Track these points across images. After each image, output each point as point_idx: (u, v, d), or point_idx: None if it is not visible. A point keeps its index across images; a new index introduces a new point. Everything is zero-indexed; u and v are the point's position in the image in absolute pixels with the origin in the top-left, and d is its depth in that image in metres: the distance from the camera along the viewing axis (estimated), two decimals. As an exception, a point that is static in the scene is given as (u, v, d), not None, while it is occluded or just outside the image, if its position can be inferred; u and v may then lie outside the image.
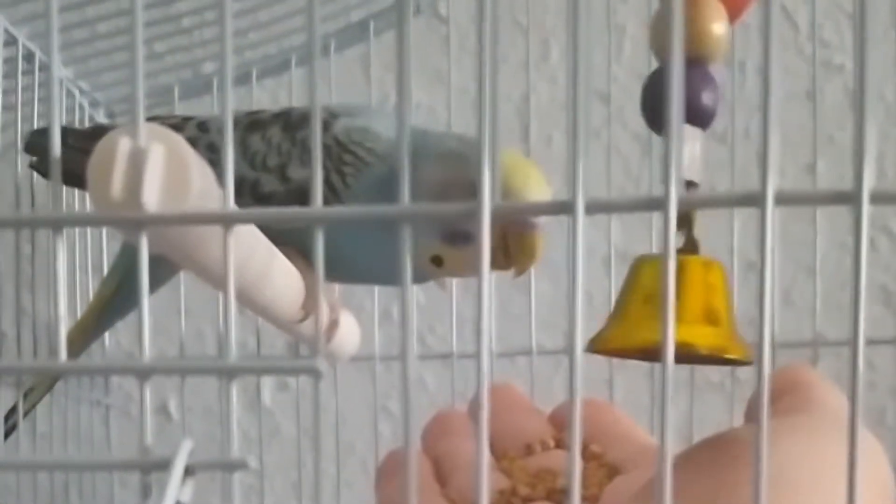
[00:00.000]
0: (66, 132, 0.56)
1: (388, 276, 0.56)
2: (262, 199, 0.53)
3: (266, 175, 0.54)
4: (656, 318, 0.32)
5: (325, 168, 0.53)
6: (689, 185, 0.33)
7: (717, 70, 0.36)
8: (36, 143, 0.59)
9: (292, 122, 0.55)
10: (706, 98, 0.34)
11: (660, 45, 0.35)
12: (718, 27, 0.35)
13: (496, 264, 0.51)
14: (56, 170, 0.27)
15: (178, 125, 0.56)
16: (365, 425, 0.87)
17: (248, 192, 0.54)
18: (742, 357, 0.33)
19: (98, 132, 0.55)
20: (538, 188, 0.52)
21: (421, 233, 0.53)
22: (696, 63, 0.34)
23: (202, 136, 0.55)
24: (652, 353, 0.35)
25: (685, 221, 0.35)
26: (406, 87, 0.24)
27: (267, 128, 0.55)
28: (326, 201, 0.52)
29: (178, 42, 0.76)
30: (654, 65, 0.37)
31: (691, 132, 0.34)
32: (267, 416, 0.96)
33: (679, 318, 0.32)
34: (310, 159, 0.54)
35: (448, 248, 0.53)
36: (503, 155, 0.51)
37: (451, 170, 0.52)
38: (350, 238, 0.52)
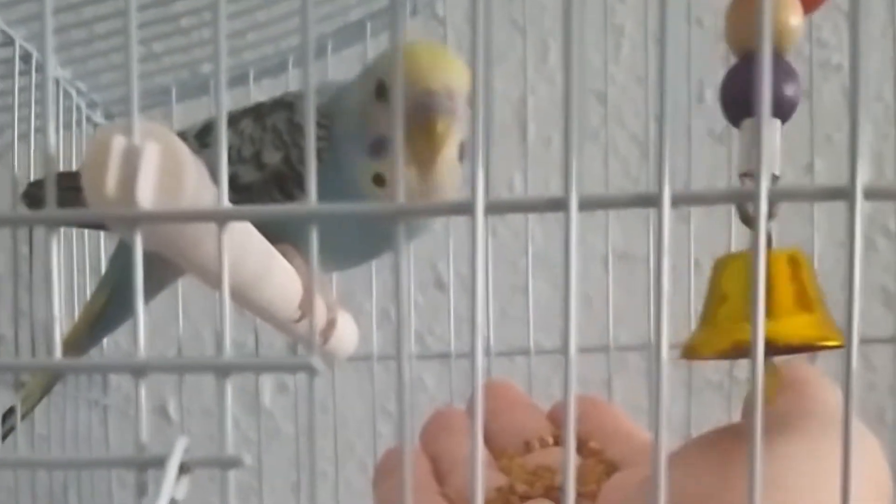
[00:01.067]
0: (62, 177, 0.56)
1: (372, 251, 0.57)
2: (243, 190, 0.53)
3: (242, 166, 0.54)
4: (742, 318, 0.33)
5: (296, 147, 0.54)
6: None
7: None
8: (34, 195, 0.59)
9: (263, 111, 0.56)
10: (789, 90, 0.34)
11: (736, 37, 0.35)
12: (794, 18, 0.35)
13: (408, 163, 0.51)
14: (51, 167, 0.27)
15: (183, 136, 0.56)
16: (364, 426, 0.87)
17: (229, 188, 0.53)
18: (840, 343, 0.33)
19: None
20: (447, 69, 0.51)
21: (349, 158, 0.53)
22: (775, 55, 0.34)
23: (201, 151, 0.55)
24: (746, 352, 0.35)
25: (751, 218, 0.34)
26: (400, 87, 0.24)
27: (238, 121, 0.55)
28: (290, 188, 0.53)
29: (176, 42, 0.76)
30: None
31: (773, 124, 0.34)
32: (266, 417, 0.96)
33: (770, 314, 0.32)
34: (281, 143, 0.54)
35: (381, 162, 0.53)
36: (411, 44, 0.52)
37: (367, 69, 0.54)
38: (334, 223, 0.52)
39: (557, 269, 0.88)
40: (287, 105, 0.55)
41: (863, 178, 0.23)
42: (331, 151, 0.52)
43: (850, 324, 0.22)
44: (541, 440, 0.46)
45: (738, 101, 0.35)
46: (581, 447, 0.44)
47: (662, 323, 0.23)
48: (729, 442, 0.32)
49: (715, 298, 0.34)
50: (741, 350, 0.33)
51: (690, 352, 0.34)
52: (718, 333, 0.33)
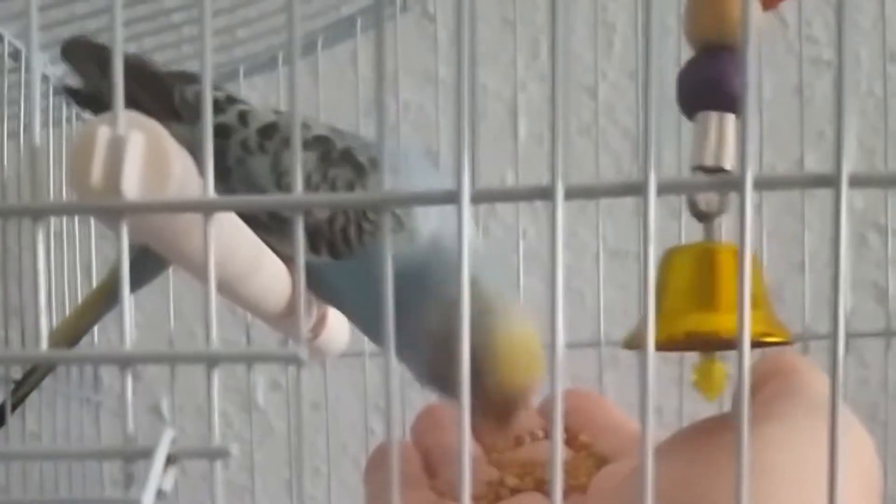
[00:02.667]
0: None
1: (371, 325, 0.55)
2: (276, 220, 0.49)
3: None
4: (690, 309, 0.33)
5: (345, 215, 0.51)
6: (715, 170, 0.33)
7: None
8: (74, 49, 0.56)
9: (331, 156, 0.51)
10: (740, 83, 0.34)
11: (694, 30, 0.35)
12: (754, 14, 0.35)
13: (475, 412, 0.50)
14: (34, 159, 0.27)
15: (221, 103, 0.53)
16: (357, 424, 0.87)
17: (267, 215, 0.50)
18: (785, 339, 0.33)
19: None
20: (536, 371, 0.49)
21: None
22: (728, 48, 0.34)
23: (239, 129, 0.52)
24: (690, 344, 0.35)
25: (706, 213, 0.34)
26: (385, 88, 0.24)
27: (304, 150, 0.51)
28: (334, 249, 0.51)
29: (167, 38, 0.76)
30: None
31: (721, 118, 0.34)
32: (259, 415, 0.96)
33: (716, 307, 0.32)
34: (341, 211, 0.52)
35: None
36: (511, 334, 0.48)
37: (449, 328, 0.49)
38: (350, 283, 0.51)
39: (549, 266, 0.88)
40: (356, 166, 0.51)
41: (848, 167, 0.23)
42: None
43: (837, 309, 0.22)
44: (531, 434, 0.46)
45: (693, 93, 0.35)
46: (572, 440, 0.44)
47: (649, 312, 0.23)
48: (716, 431, 0.32)
49: (659, 290, 0.34)
50: (680, 342, 0.34)
51: (633, 342, 0.34)
52: (660, 324, 0.33)
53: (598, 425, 0.44)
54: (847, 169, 0.22)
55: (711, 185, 0.24)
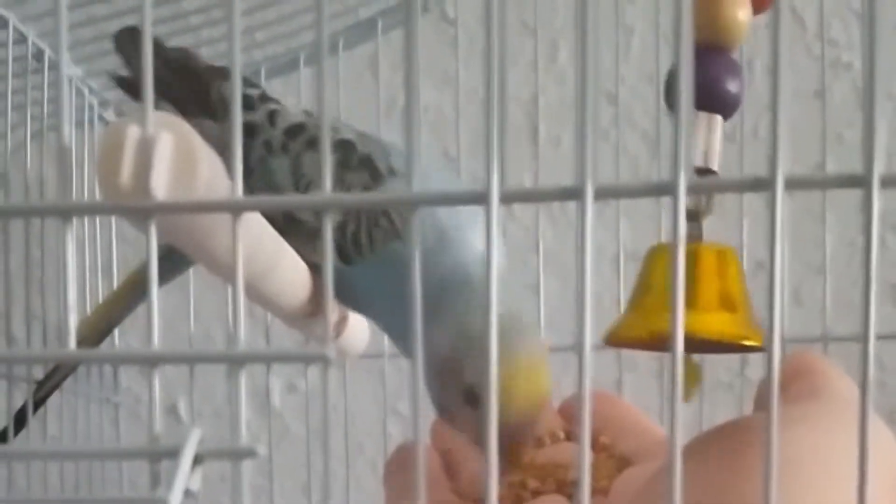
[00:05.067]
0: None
1: (394, 326, 0.54)
2: (293, 222, 0.49)
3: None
4: (666, 308, 0.32)
5: (356, 221, 0.51)
6: (705, 171, 0.33)
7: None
8: (126, 42, 0.56)
9: (350, 162, 0.51)
10: (730, 84, 0.34)
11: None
12: (742, 14, 0.35)
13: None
14: (64, 159, 0.27)
15: (252, 100, 0.53)
16: (374, 426, 0.87)
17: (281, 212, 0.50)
18: (759, 343, 0.33)
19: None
20: (540, 398, 0.46)
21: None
22: (720, 49, 0.34)
23: (266, 129, 0.52)
24: (664, 343, 0.35)
25: (693, 212, 0.34)
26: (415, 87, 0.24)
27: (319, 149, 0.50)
28: (344, 255, 0.51)
29: (185, 41, 0.76)
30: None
31: (709, 119, 0.33)
32: (276, 417, 0.96)
33: (693, 306, 0.32)
34: (353, 216, 0.51)
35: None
36: (516, 360, 0.46)
37: (459, 352, 0.47)
38: (365, 286, 0.51)
39: (567, 268, 0.88)
40: (373, 172, 0.51)
41: (879, 167, 0.22)
42: None
43: (868, 308, 0.22)
44: (552, 435, 0.46)
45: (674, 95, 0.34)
46: (592, 442, 0.44)
47: (678, 311, 0.23)
48: (742, 433, 0.32)
49: (642, 287, 0.34)
50: (659, 340, 0.33)
51: (612, 337, 0.34)
52: (642, 320, 0.33)
53: (619, 427, 0.44)
54: (878, 170, 0.22)
55: (741, 185, 0.24)
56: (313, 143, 0.51)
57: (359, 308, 0.55)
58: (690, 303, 0.32)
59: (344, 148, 0.51)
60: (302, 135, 0.51)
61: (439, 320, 0.46)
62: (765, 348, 0.33)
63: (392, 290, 0.49)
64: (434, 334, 0.47)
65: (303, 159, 0.51)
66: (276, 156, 0.51)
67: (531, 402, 0.46)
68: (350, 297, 0.52)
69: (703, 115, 0.34)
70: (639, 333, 0.33)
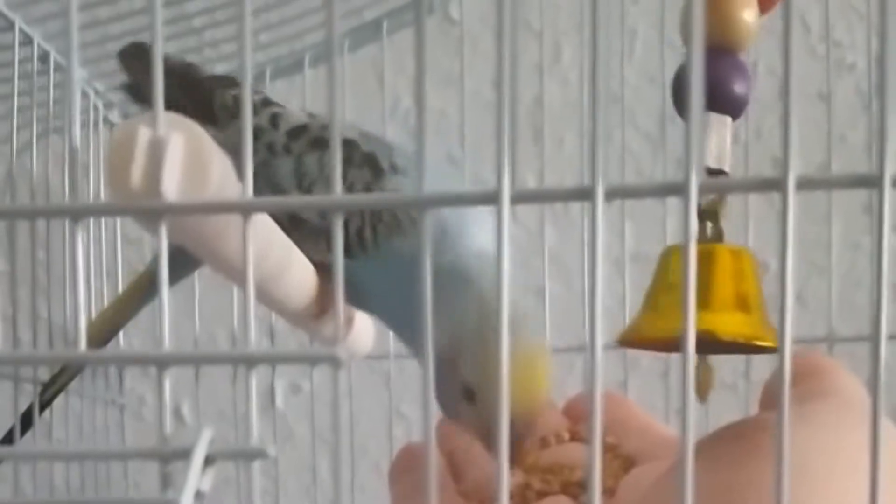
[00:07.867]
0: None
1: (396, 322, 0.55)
2: (296, 222, 0.49)
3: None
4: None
5: (360, 217, 0.51)
6: (716, 172, 0.33)
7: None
8: (131, 55, 0.56)
9: (353, 160, 0.51)
10: (737, 86, 0.34)
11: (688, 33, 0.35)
12: (749, 15, 0.35)
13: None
14: (73, 160, 0.27)
15: (255, 106, 0.52)
16: (377, 428, 0.86)
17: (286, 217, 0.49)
18: (774, 344, 0.33)
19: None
20: (538, 397, 0.46)
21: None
22: (727, 51, 0.34)
23: (268, 132, 0.52)
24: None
25: (711, 212, 0.34)
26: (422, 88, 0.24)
27: (328, 152, 0.50)
28: (348, 251, 0.51)
29: (189, 43, 0.76)
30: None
31: (720, 120, 0.33)
32: (280, 419, 0.96)
33: (708, 307, 0.32)
34: (356, 213, 0.51)
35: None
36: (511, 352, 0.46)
37: (456, 349, 0.47)
38: (371, 277, 0.51)
39: (570, 270, 0.88)
40: (375, 170, 0.51)
41: (891, 167, 0.22)
42: None
43: (879, 308, 0.22)
44: (557, 436, 0.45)
45: (683, 97, 0.34)
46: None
47: (689, 312, 0.23)
48: (751, 433, 0.31)
49: (661, 287, 0.34)
50: (675, 340, 0.33)
51: (632, 335, 0.34)
52: (658, 321, 0.33)
53: (624, 427, 0.44)
54: (890, 169, 0.22)
55: (752, 186, 0.24)
56: (316, 144, 0.52)
57: (360, 304, 0.55)
58: (705, 303, 0.32)
59: (347, 146, 0.51)
60: (304, 135, 0.52)
61: (437, 317, 0.46)
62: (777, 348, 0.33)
63: (394, 284, 0.49)
64: (432, 332, 0.46)
65: (305, 159, 0.51)
66: (278, 157, 0.51)
67: (530, 397, 0.45)
68: (352, 292, 0.52)
69: (713, 115, 0.34)
70: (655, 334, 0.33)
